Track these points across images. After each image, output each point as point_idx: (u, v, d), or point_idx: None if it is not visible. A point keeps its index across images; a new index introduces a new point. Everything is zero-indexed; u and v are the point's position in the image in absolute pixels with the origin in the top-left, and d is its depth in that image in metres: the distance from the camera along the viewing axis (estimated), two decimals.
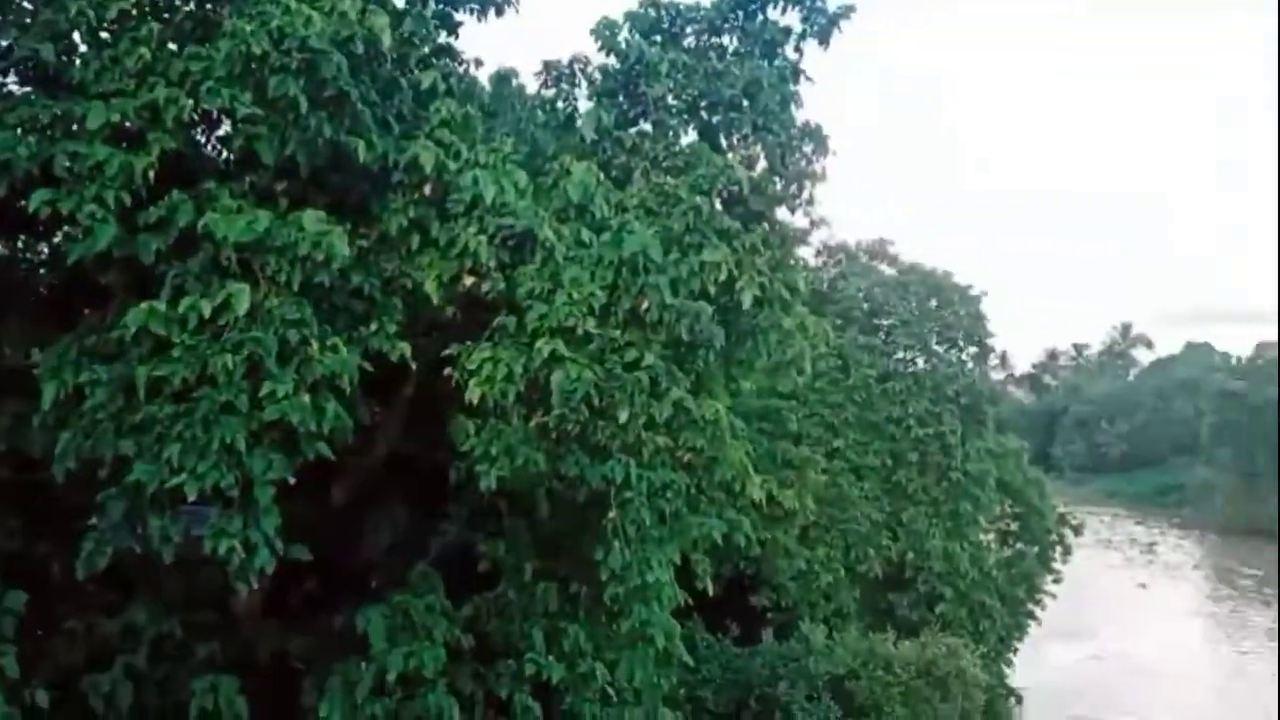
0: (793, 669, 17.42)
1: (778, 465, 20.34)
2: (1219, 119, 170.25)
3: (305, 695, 10.12)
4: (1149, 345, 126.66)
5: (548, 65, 11.66)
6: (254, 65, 8.67)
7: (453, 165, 9.65)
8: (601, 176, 9.96)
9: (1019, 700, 26.18)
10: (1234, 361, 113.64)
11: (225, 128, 9.60)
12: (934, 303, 26.13)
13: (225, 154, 9.74)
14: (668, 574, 9.74)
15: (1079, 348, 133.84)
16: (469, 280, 9.44)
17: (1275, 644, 38.34)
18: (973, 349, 26.52)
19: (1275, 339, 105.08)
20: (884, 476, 24.56)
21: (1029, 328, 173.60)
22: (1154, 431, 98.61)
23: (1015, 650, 25.53)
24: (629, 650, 10.21)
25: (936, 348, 26.03)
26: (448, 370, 9.55)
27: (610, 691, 10.54)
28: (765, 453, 21.30)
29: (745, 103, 10.88)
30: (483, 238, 9.27)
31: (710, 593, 12.63)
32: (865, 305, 26.37)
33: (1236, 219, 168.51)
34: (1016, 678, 26.55)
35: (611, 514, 9.35)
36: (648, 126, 11.10)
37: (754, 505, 11.72)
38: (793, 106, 11.00)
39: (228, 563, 8.28)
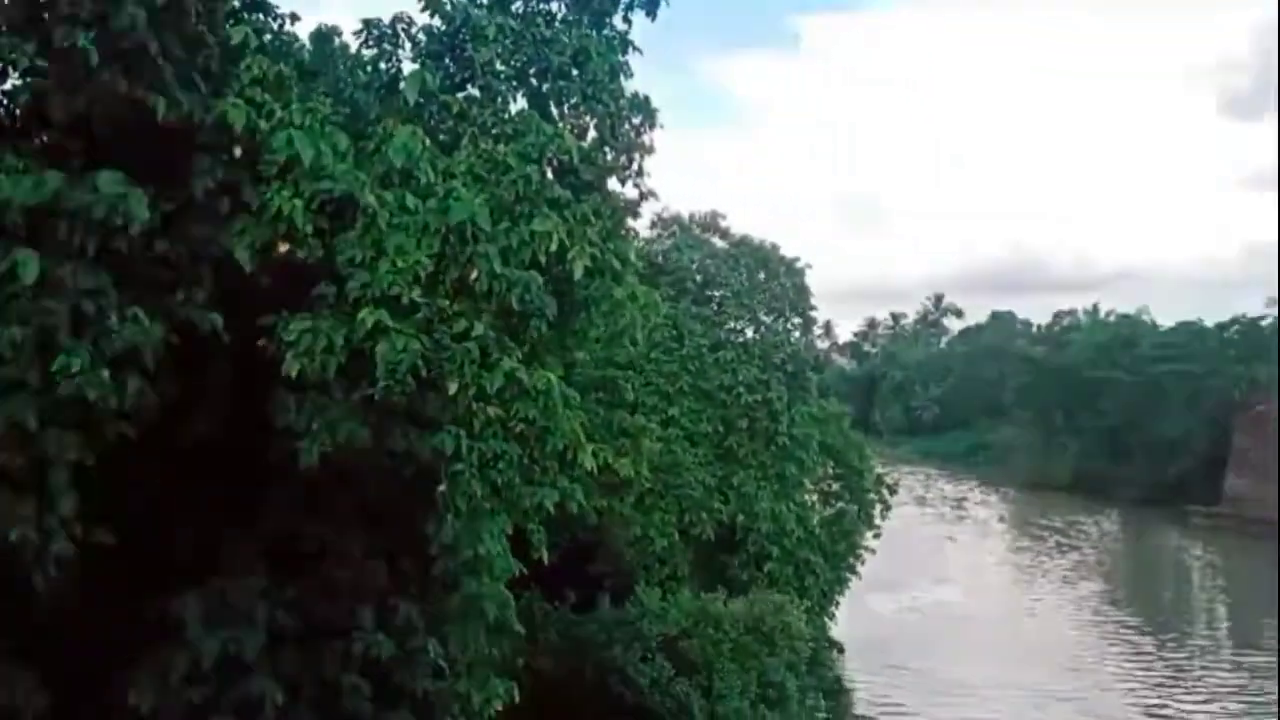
0: (628, 632, 17.75)
1: (614, 434, 20.51)
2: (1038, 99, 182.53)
3: (116, 686, 9.55)
4: (959, 314, 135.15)
5: (369, 24, 11.17)
6: (38, 13, 7.95)
7: (265, 125, 9.15)
8: (427, 141, 9.66)
9: (840, 650, 27.68)
10: (1034, 329, 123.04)
11: (11, 82, 8.76)
12: (762, 275, 26.92)
13: (11, 110, 8.90)
14: (500, 545, 9.69)
15: (896, 317, 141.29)
16: (284, 247, 9.00)
17: (1067, 588, 42.06)
18: (798, 319, 27.52)
19: (1070, 307, 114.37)
20: (716, 442, 25.22)
21: (852, 299, 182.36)
22: (963, 395, 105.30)
23: (837, 603, 26.83)
24: (460, 623, 10.11)
25: (765, 318, 26.87)
26: (263, 342, 9.12)
27: (442, 665, 10.43)
28: (601, 422, 21.45)
29: (575, 71, 10.80)
30: (299, 202, 8.85)
31: (547, 562, 12.69)
32: (698, 277, 26.89)
33: (1039, 199, 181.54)
34: (839, 629, 28.04)
35: (441, 487, 9.19)
36: (475, 92, 10.82)
37: (590, 474, 11.81)
38: (621, 77, 10.99)
39: (21, 550, 7.69)
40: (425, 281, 9.02)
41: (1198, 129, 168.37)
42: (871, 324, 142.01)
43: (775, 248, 27.57)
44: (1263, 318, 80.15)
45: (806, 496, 26.82)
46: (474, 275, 9.05)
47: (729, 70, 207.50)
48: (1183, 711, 26.57)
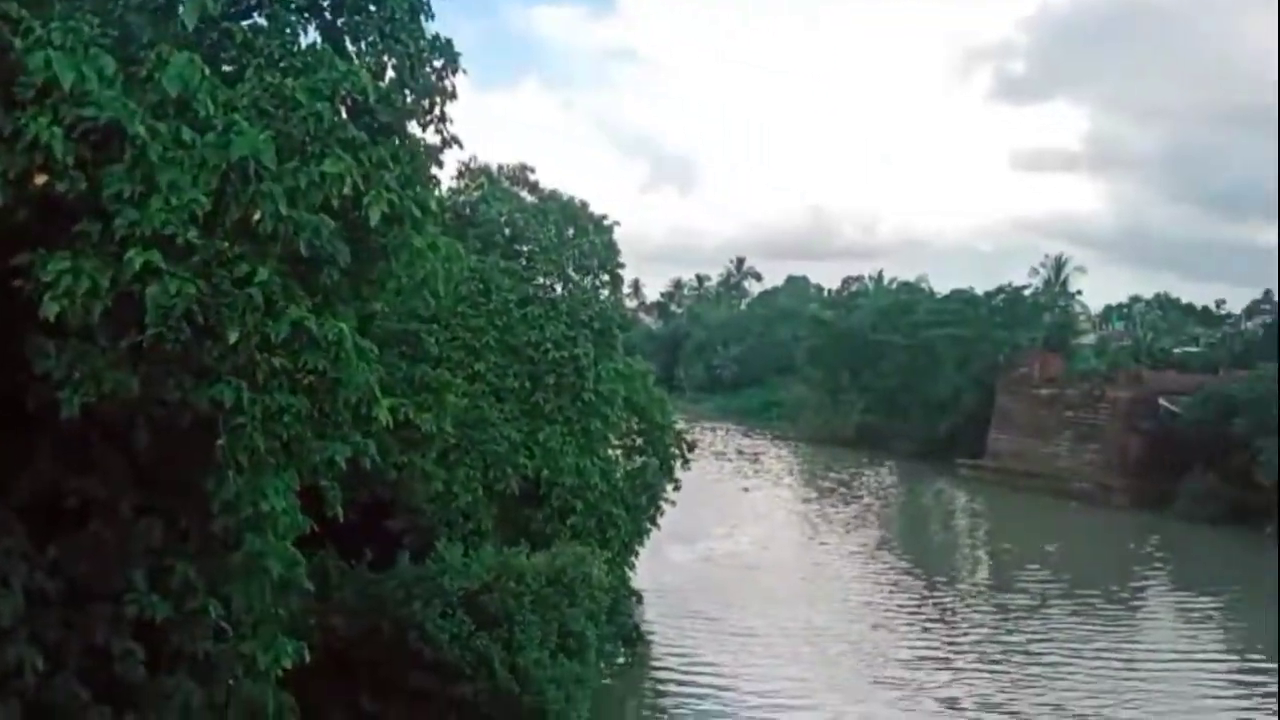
0: (428, 588, 17.48)
1: (415, 389, 20.04)
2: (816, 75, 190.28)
3: None
4: (758, 278, 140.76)
5: None
6: None
7: (20, 44, 8.19)
8: (206, 71, 8.90)
9: (639, 599, 28.44)
10: (826, 294, 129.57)
11: None
12: (571, 231, 26.84)
13: None
14: (284, 501, 9.24)
15: (701, 279, 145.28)
16: (42, 179, 8.11)
17: (850, 535, 44.89)
18: (606, 277, 27.65)
19: (860, 274, 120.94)
20: (523, 398, 25.07)
21: (660, 260, 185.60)
22: (760, 354, 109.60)
23: (638, 554, 27.49)
24: (243, 582, 9.62)
25: (573, 274, 26.82)
26: (20, 283, 8.22)
27: (224, 626, 9.91)
28: (403, 376, 20.89)
29: (372, 7, 10.25)
30: (58, 130, 7.97)
31: (342, 519, 12.27)
32: (506, 230, 26.46)
33: (833, 169, 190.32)
34: (639, 579, 28.78)
35: (221, 441, 8.64)
36: (262, 21, 10.09)
37: (388, 429, 11.43)
38: (423, 18, 10.53)
39: None
40: (203, 221, 8.34)
41: (973, 109, 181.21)
42: (678, 285, 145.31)
43: (585, 205, 27.56)
44: (1025, 287, 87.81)
45: (611, 451, 27.18)
46: (257, 216, 8.45)
47: (543, 21, 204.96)
48: (946, 643, 29.00)
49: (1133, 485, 55.15)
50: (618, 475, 26.51)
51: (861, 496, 56.85)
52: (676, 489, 28.55)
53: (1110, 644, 29.07)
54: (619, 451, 27.88)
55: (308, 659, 11.06)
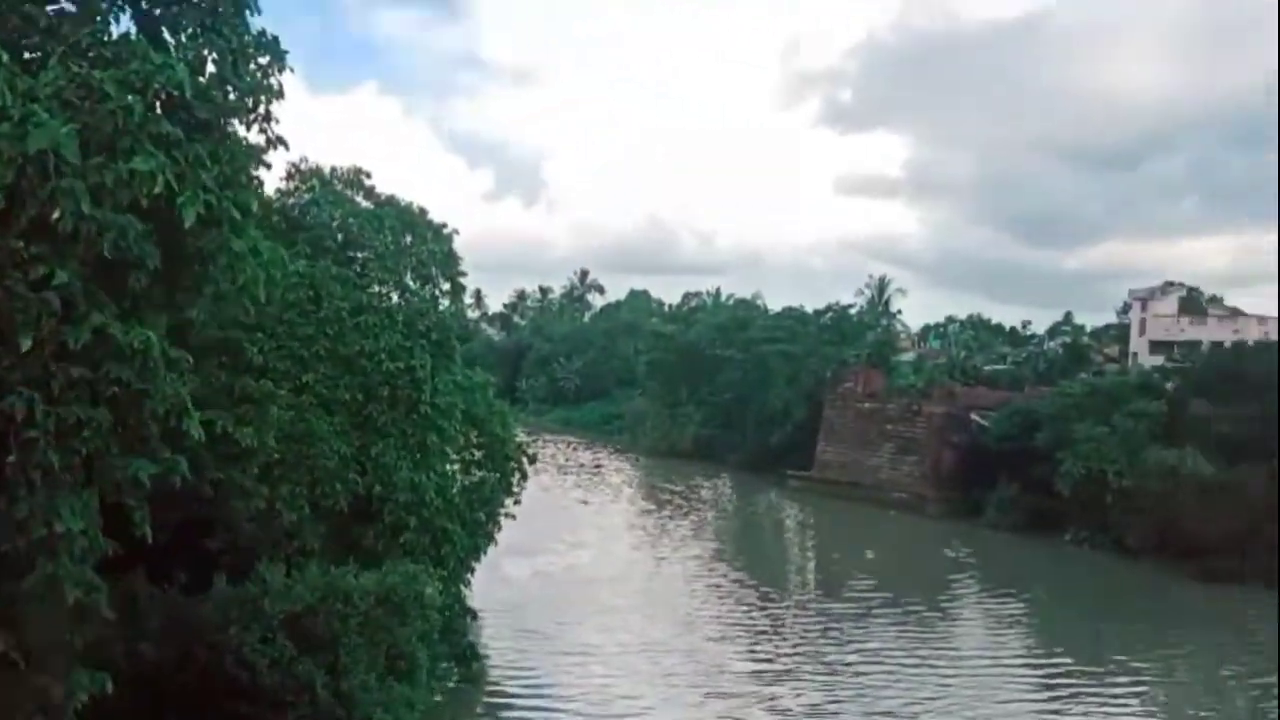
0: (247, 611, 16.59)
1: (235, 401, 19.01)
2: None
3: None
4: (601, 290, 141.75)
5: None
6: None
7: None
8: (5, 57, 8.19)
9: (474, 617, 27.89)
10: (666, 308, 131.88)
11: None
12: (409, 238, 26.15)
13: None
14: (82, 522, 8.53)
15: (544, 290, 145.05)
16: None
17: (686, 547, 45.64)
18: (446, 286, 27.07)
19: (700, 289, 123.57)
20: (354, 410, 24.16)
21: (504, 270, 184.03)
22: (602, 367, 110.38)
23: (474, 571, 26.97)
24: (35, 610, 8.82)
25: (411, 283, 26.12)
26: None
27: (14, 657, 9.05)
28: (222, 388, 19.78)
29: None
30: None
31: (151, 540, 11.45)
32: (339, 235, 25.50)
33: (675, 186, 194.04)
34: (476, 596, 28.25)
35: (11, 457, 7.91)
36: (69, 6, 9.37)
37: (205, 443, 10.74)
38: (248, 12, 10.02)
39: None
40: None
41: (804, 133, 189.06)
42: (521, 296, 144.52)
43: (424, 211, 26.90)
44: (851, 306, 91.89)
45: (448, 465, 26.57)
46: (56, 215, 7.80)
47: (383, 23, 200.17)
48: (780, 653, 29.76)
49: (946, 495, 58.60)
50: (454, 490, 25.90)
51: (698, 508, 57.96)
52: (516, 503, 28.19)
53: (932, 650, 30.47)
54: (457, 465, 27.27)
55: (110, 690, 10.25)
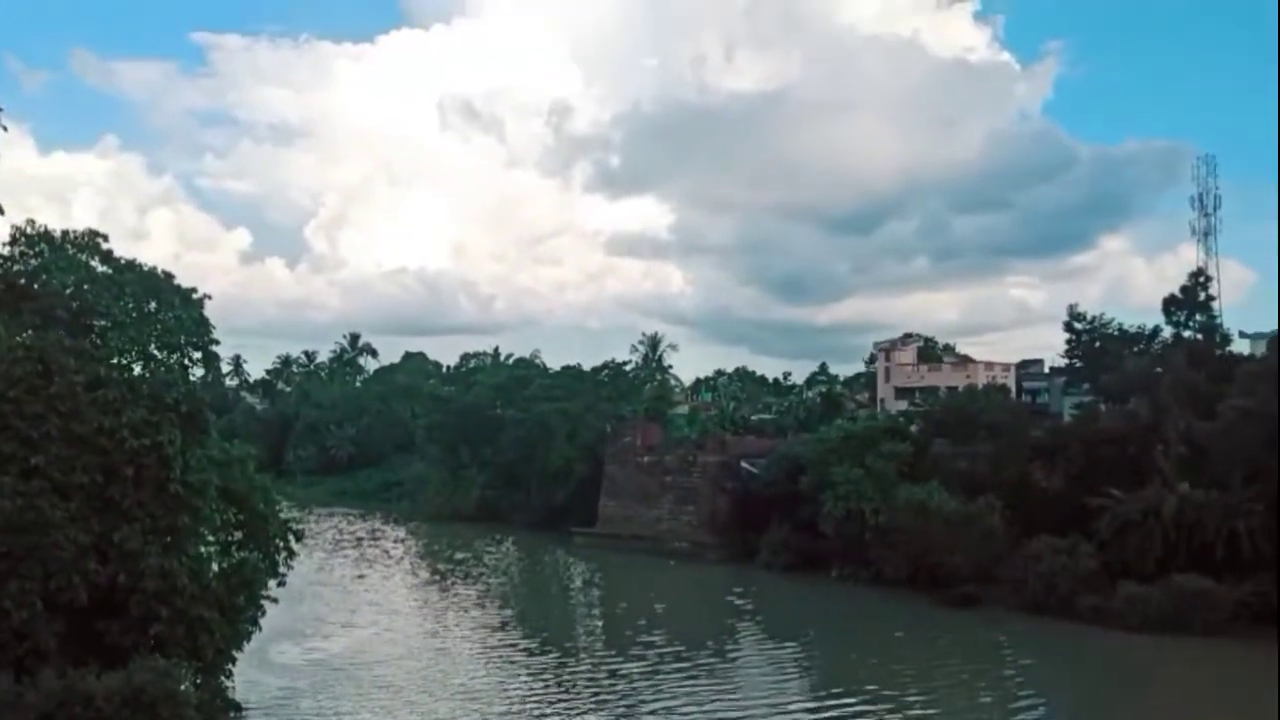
0: None
1: None
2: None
3: None
4: (374, 353, 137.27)
5: None
6: None
7: None
8: None
9: (238, 710, 25.61)
10: (445, 369, 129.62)
11: None
12: (153, 304, 24.25)
13: None
14: None
15: (310, 355, 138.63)
16: None
17: (472, 615, 44.27)
18: (196, 354, 25.28)
19: (478, 349, 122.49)
20: (94, 494, 21.94)
21: (265, 335, 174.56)
22: (378, 433, 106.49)
23: (234, 661, 24.90)
24: None
25: (156, 353, 24.18)
26: None
27: None
28: None
29: None
30: None
31: None
32: (73, 304, 23.30)
33: (449, 246, 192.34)
34: (239, 689, 26.02)
35: None
36: None
37: None
38: None
39: None
40: None
41: (576, 198, 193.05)
42: (286, 362, 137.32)
43: (169, 276, 25.06)
44: (626, 363, 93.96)
45: (203, 548, 24.54)
46: None
47: (124, 76, 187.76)
48: None
49: (724, 541, 60.55)
50: (211, 574, 23.95)
51: (484, 574, 56.62)
52: (281, 584, 26.37)
53: (724, 702, 30.55)
54: (214, 547, 25.25)
55: None
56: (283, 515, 27.93)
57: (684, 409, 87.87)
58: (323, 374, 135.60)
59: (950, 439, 54.64)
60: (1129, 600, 40.49)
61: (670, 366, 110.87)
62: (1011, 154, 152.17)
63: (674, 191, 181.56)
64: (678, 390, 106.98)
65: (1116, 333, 66.53)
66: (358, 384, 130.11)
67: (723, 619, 44.29)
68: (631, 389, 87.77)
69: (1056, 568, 43.09)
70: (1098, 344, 65.97)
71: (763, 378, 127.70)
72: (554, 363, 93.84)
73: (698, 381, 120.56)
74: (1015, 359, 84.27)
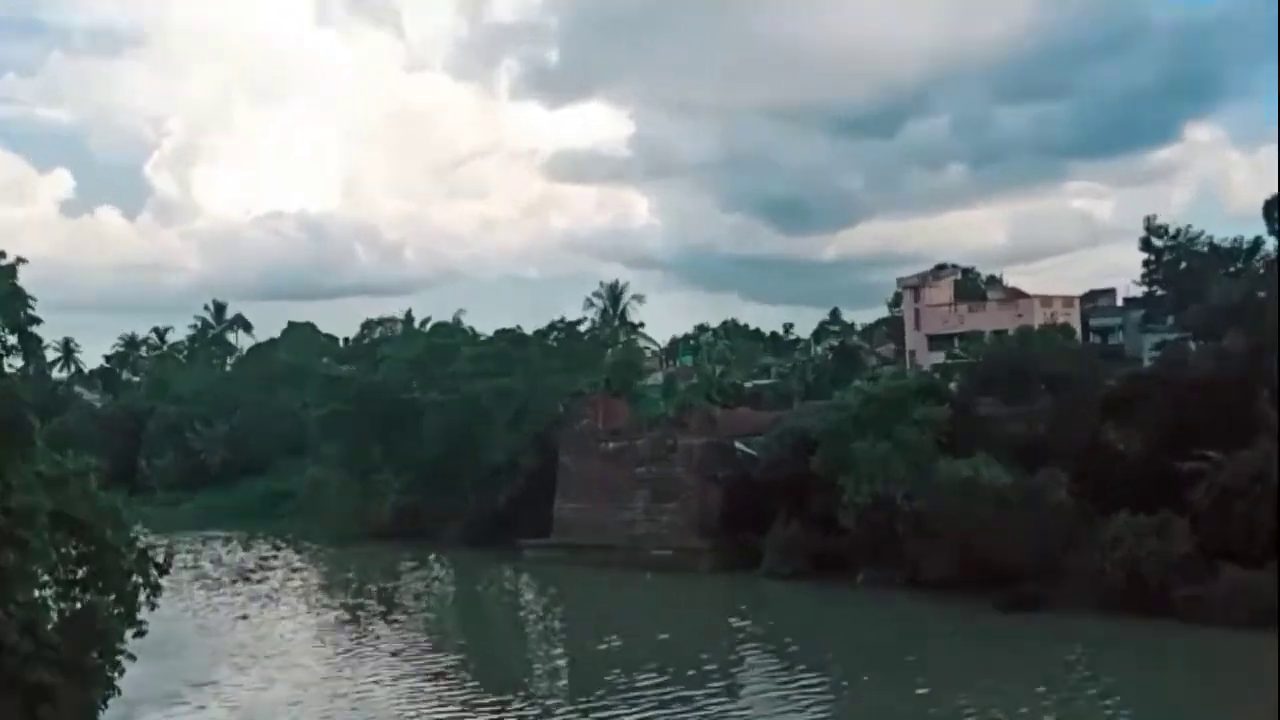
0: None
1: None
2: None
3: None
4: (248, 327, 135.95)
5: None
6: None
7: None
8: None
9: None
10: (342, 343, 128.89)
11: None
12: None
13: None
14: None
15: (162, 333, 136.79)
16: None
17: (398, 656, 44.41)
18: (12, 339, 24.99)
19: (384, 315, 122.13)
20: None
21: (103, 311, 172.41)
22: (258, 430, 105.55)
23: None
24: None
25: None
26: None
27: None
28: None
29: None
30: None
31: None
32: None
33: (336, 186, 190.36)
34: None
35: None
36: None
37: None
38: None
39: None
40: None
41: (503, 109, 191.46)
42: (132, 343, 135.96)
43: None
44: (580, 322, 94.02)
45: (36, 591, 24.41)
46: None
47: None
48: None
49: (716, 545, 61.07)
50: (49, 625, 23.85)
51: (408, 607, 56.71)
52: (141, 634, 26.29)
53: None
54: (50, 590, 25.11)
55: None
56: (140, 544, 27.76)
57: (658, 378, 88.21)
58: (181, 356, 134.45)
59: (1000, 397, 55.36)
60: (1234, 588, 41.44)
61: (639, 324, 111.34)
62: (1068, 25, 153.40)
63: (631, 93, 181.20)
64: (649, 354, 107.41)
65: (1207, 249, 67.55)
66: (228, 368, 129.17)
67: (724, 646, 44.77)
68: (589, 355, 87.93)
69: (1141, 552, 43.93)
70: (1184, 265, 66.96)
71: (758, 332, 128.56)
72: (485, 326, 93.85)
73: (675, 341, 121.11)
74: (1079, 290, 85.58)
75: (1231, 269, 66.66)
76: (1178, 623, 41.72)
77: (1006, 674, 38.80)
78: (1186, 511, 44.96)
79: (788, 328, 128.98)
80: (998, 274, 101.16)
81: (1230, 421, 46.86)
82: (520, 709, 36.60)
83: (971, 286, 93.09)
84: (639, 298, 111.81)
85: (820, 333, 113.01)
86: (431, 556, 70.69)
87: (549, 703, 37.58)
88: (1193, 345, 57.58)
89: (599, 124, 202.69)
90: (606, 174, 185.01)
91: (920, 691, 36.53)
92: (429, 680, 41.08)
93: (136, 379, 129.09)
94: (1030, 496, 48.35)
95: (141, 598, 27.00)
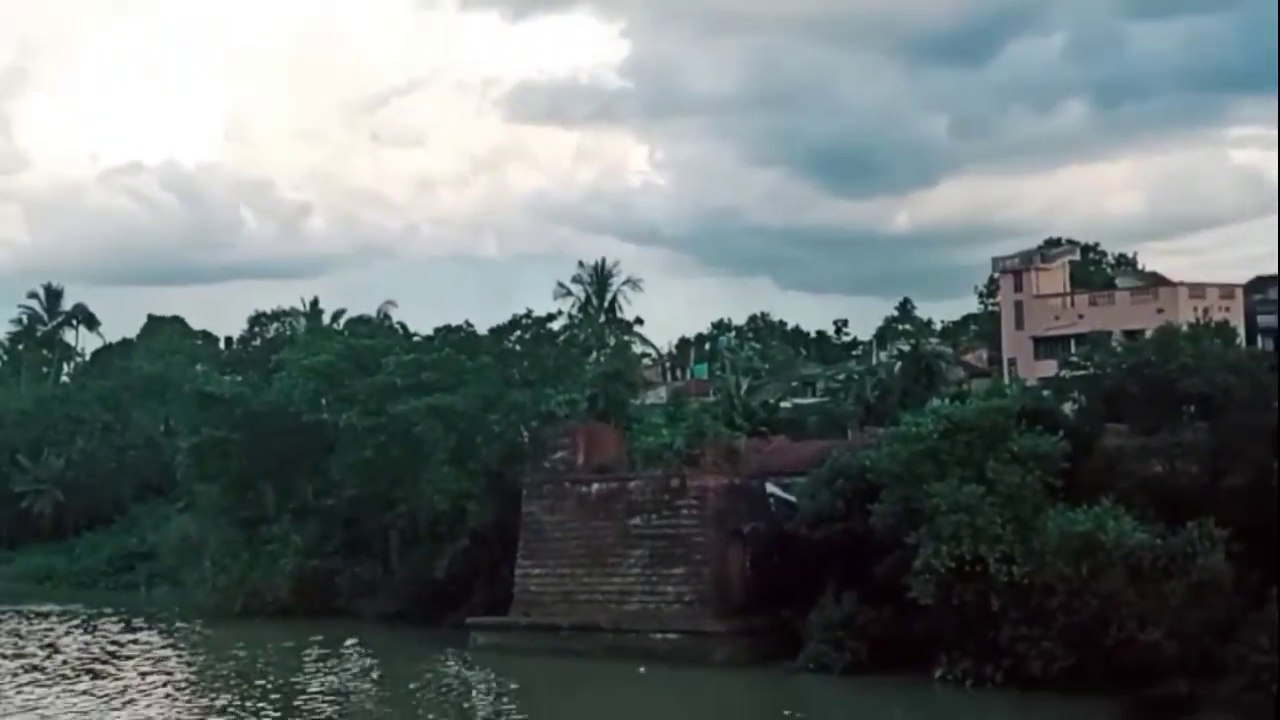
0: None
1: None
2: None
3: None
4: (91, 323, 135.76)
5: None
6: None
7: None
8: None
9: None
10: (222, 345, 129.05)
11: None
12: None
13: None
14: None
15: None
16: None
17: None
18: None
19: (280, 306, 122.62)
20: None
21: None
22: (105, 466, 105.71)
23: None
24: None
25: None
26: None
27: None
28: None
29: None
30: None
31: None
32: None
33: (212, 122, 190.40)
34: None
35: None
36: None
37: None
38: None
39: None
40: None
41: (452, 24, 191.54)
42: None
43: None
44: (553, 316, 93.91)
45: None
46: None
47: None
48: None
49: (740, 627, 60.85)
50: None
51: (309, 712, 56.58)
52: None
53: None
54: None
55: None
56: None
57: (661, 395, 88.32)
58: None
59: (1134, 423, 55.29)
60: None
61: (635, 321, 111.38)
62: None
63: (626, 4, 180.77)
64: (649, 362, 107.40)
65: None
66: (64, 378, 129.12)
67: None
68: (565, 364, 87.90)
69: None
70: None
71: (800, 332, 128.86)
72: (422, 323, 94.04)
73: (685, 344, 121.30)
74: (1244, 275, 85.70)
75: None
76: None
77: None
78: None
79: (840, 326, 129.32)
80: (1130, 254, 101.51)
81: None
82: None
83: (1094, 271, 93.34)
84: (634, 283, 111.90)
85: (886, 333, 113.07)
86: (347, 642, 70.44)
87: None
88: None
89: (581, 42, 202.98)
90: (592, 113, 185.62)
91: None
92: None
93: None
94: (1176, 561, 48.30)
95: None
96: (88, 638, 77.73)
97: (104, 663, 69.15)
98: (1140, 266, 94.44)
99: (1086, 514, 50.22)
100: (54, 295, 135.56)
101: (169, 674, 66.87)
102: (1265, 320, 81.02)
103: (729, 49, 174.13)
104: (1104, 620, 48.17)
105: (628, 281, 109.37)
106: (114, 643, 75.49)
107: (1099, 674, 48.09)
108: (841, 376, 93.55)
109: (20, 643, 72.73)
